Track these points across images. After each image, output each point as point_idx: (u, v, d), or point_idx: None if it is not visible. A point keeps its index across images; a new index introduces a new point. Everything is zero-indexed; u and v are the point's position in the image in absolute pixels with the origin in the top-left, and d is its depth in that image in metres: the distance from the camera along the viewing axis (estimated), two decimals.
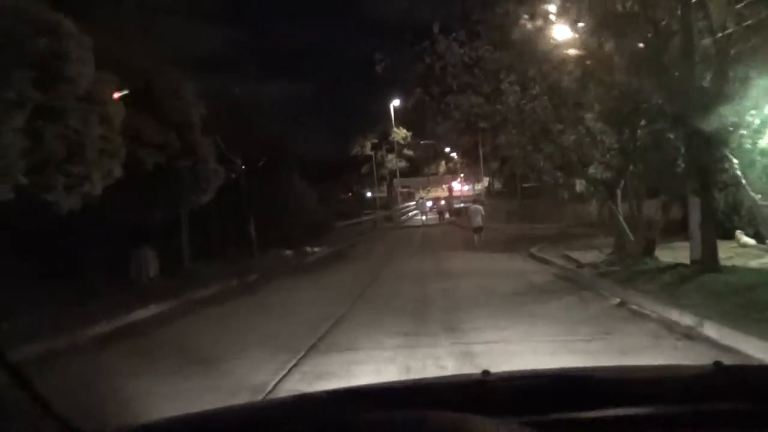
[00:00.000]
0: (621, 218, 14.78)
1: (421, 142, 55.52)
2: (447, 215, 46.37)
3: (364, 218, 42.98)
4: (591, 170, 15.08)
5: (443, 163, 64.63)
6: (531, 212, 37.19)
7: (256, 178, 24.34)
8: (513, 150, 15.56)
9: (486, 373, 1.57)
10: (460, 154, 61.81)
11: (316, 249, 25.61)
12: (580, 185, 16.51)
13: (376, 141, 54.78)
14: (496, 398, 1.48)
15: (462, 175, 65.24)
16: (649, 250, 13.36)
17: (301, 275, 18.37)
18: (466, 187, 63.23)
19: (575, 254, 17.53)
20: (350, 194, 53.68)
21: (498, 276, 14.47)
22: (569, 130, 14.64)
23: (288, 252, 24.57)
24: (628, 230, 14.27)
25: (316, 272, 18.96)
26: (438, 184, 61.41)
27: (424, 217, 44.87)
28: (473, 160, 60.29)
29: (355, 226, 38.64)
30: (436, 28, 12.84)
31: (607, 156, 14.74)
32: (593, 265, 14.30)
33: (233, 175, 22.57)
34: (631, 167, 14.51)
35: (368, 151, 54.57)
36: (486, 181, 58.95)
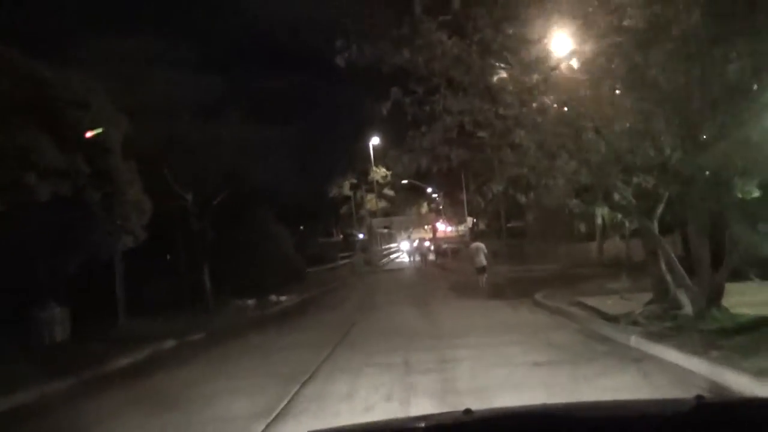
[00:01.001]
0: (666, 255, 11.19)
1: (403, 181, 52.10)
2: (432, 257, 42.81)
3: (342, 262, 39.23)
4: (617, 195, 11.57)
5: (425, 204, 61.34)
6: (519, 252, 33.71)
7: (221, 219, 20.89)
8: (520, 169, 11.95)
9: (468, 411, 1.48)
10: (443, 195, 58.66)
11: (283, 298, 21.83)
12: (602, 214, 12.88)
13: (355, 181, 51.34)
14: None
15: (443, 217, 62.07)
16: (715, 299, 9.76)
17: (254, 334, 14.58)
18: (449, 228, 59.89)
19: (591, 301, 13.97)
20: (342, 236, 50.12)
21: (506, 334, 10.81)
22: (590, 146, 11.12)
23: (251, 302, 20.78)
24: (680, 271, 10.63)
25: (273, 329, 15.17)
26: (420, 224, 57.98)
27: (409, 259, 41.14)
28: (455, 200, 57.29)
29: (332, 270, 34.87)
30: (417, 9, 9.31)
31: (639, 177, 11.28)
32: (629, 319, 10.68)
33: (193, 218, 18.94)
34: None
35: (347, 191, 51.06)
36: (470, 221, 55.62)
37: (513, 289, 18.84)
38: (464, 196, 54.62)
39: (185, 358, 11.78)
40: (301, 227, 40.92)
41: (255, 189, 25.93)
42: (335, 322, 14.55)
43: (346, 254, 42.17)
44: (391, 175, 52.12)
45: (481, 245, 20.70)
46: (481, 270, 20.03)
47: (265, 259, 25.31)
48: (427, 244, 48.05)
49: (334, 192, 53.93)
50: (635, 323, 10.30)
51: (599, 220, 13.30)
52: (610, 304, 13.21)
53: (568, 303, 14.65)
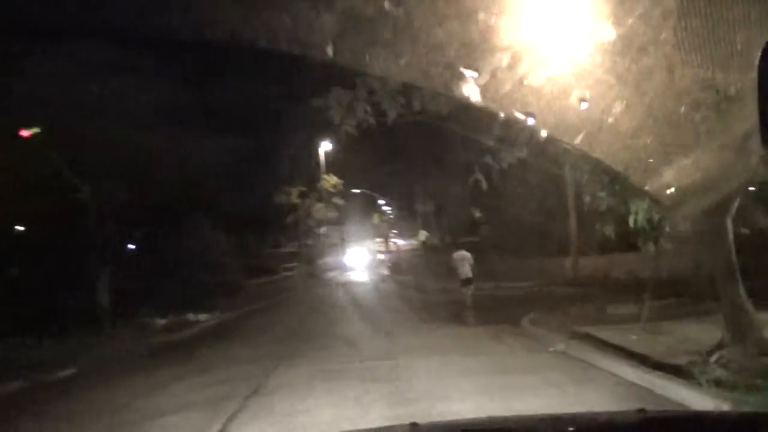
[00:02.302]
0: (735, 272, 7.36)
1: (354, 190, 47.88)
2: (386, 271, 38.65)
3: (287, 274, 34.78)
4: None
5: (377, 215, 57.14)
6: (482, 268, 29.80)
7: (141, 226, 16.94)
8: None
9: (414, 425, 1.39)
10: (396, 207, 54.86)
11: (202, 317, 17.35)
12: (635, 213, 8.81)
13: (304, 189, 46.82)
14: None
15: (395, 230, 58.16)
16: None
17: (140, 373, 10.08)
18: (401, 242, 55.90)
19: (604, 333, 10.09)
20: (299, 246, 45.78)
21: (513, 395, 6.66)
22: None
23: (162, 322, 16.25)
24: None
25: (164, 366, 10.63)
26: (372, 236, 53.72)
27: (359, 273, 36.78)
28: (408, 213, 53.52)
29: (273, 284, 30.37)
30: None
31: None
32: (704, 371, 6.71)
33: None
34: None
35: (294, 199, 46.41)
36: (423, 234, 51.78)
37: (490, 311, 14.87)
38: (418, 208, 50.98)
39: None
40: (246, 236, 36.58)
41: (189, 195, 23.04)
42: (252, 360, 10.16)
43: (292, 265, 37.72)
44: (343, 183, 47.85)
45: (467, 254, 16.74)
46: (467, 282, 16.28)
47: (192, 271, 21.24)
48: (383, 256, 43.89)
49: (281, 200, 49.12)
50: (719, 382, 6.32)
51: (632, 222, 9.09)
52: (636, 341, 9.30)
53: (570, 334, 10.70)
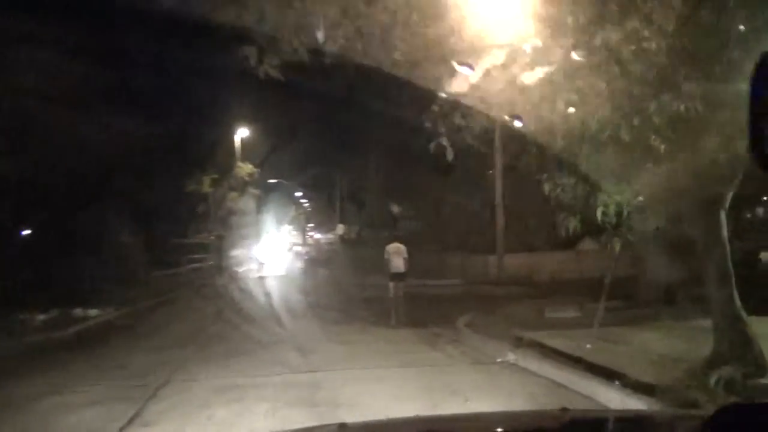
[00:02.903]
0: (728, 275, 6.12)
1: (270, 180, 45.63)
2: (302, 264, 36.49)
3: (194, 265, 32.20)
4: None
5: (293, 207, 54.93)
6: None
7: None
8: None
9: (343, 425, 1.37)
10: (313, 199, 53.04)
11: (92, 312, 14.93)
12: (605, 206, 7.38)
13: (216, 176, 44.01)
14: None
15: (312, 224, 56.26)
16: None
17: None
18: (318, 235, 54.00)
19: (552, 340, 8.87)
20: (213, 237, 42.75)
21: None
22: None
23: (41, 318, 13.83)
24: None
25: (19, 378, 8.30)
26: (289, 228, 51.44)
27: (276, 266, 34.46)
28: (326, 206, 51.72)
29: (180, 276, 27.75)
30: None
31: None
32: (699, 398, 5.39)
33: None
34: None
35: (207, 188, 43.54)
36: (341, 228, 50.13)
37: (420, 311, 13.38)
38: (338, 201, 49.33)
39: None
40: (153, 225, 33.65)
41: (90, 179, 21.23)
42: (139, 371, 8.07)
43: (202, 257, 34.99)
44: (259, 172, 45.42)
45: (402, 247, 15.20)
46: (398, 276, 14.79)
47: (88, 261, 18.81)
48: (299, 249, 41.79)
49: (192, 188, 46.07)
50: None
51: (600, 215, 7.77)
52: (593, 351, 8.00)
53: (513, 341, 9.33)
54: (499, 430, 1.56)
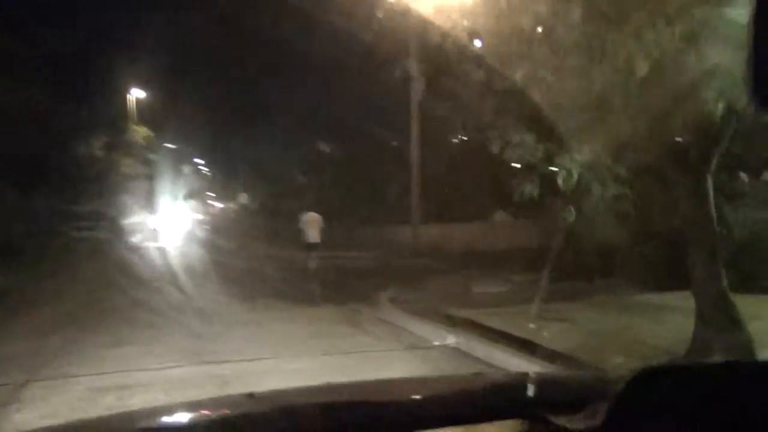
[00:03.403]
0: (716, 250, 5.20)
1: (168, 145, 42.80)
2: (203, 235, 34.10)
3: (83, 234, 29.30)
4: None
5: (192, 175, 51.75)
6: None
7: None
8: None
9: (251, 395, 1.34)
10: (213, 166, 50.27)
11: None
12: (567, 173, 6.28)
13: (108, 140, 40.60)
14: (263, 416, 1.27)
15: (212, 193, 53.42)
16: None
17: None
18: (219, 204, 51.33)
19: (491, 319, 7.89)
20: (102, 204, 39.15)
21: None
22: None
23: None
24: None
25: None
26: (187, 196, 48.38)
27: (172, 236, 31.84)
28: (228, 174, 49.14)
29: (66, 246, 24.99)
30: None
31: None
32: None
33: None
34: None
35: (98, 151, 40.12)
36: (243, 197, 47.90)
37: (338, 285, 12.17)
38: (240, 170, 46.98)
39: None
40: (37, 190, 30.36)
41: None
42: None
43: (91, 225, 31.98)
44: (156, 137, 42.41)
45: (317, 216, 14.57)
46: (312, 246, 14.26)
47: None
48: (200, 218, 39.20)
49: (82, 151, 42.41)
50: None
51: (562, 181, 6.71)
52: (540, 331, 7.03)
53: (445, 320, 8.30)
54: (415, 396, 1.47)
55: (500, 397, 1.41)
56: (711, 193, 5.37)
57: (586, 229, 11.91)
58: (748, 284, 7.40)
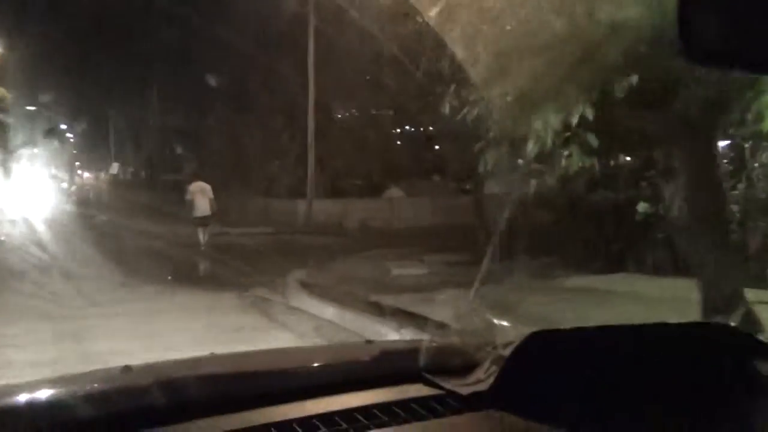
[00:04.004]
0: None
1: (28, 108, 38.17)
2: (71, 207, 30.46)
3: None
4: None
5: (57, 141, 46.73)
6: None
7: None
8: None
9: (127, 367, 1.29)
10: (81, 132, 45.69)
11: None
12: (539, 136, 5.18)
13: None
14: (140, 390, 1.20)
15: (79, 162, 48.61)
16: None
17: None
18: (87, 174, 46.75)
19: (436, 310, 6.65)
20: None
21: None
22: None
23: None
24: None
25: None
26: (53, 164, 43.51)
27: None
28: (98, 142, 44.80)
29: None
30: None
31: None
32: None
33: None
34: None
35: None
36: (115, 167, 43.89)
37: (234, 266, 10.52)
38: (111, 138, 43.02)
39: None
40: None
41: None
42: None
43: None
44: (12, 97, 37.51)
45: (206, 186, 13.13)
46: (203, 221, 12.91)
47: None
48: (66, 188, 35.04)
49: None
50: None
51: (532, 146, 5.59)
52: (492, 324, 5.97)
53: (375, 310, 7.06)
54: (304, 365, 1.42)
55: (392, 363, 1.39)
56: (718, 164, 4.49)
57: (518, 205, 11.14)
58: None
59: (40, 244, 11.73)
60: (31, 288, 8.20)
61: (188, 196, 13.27)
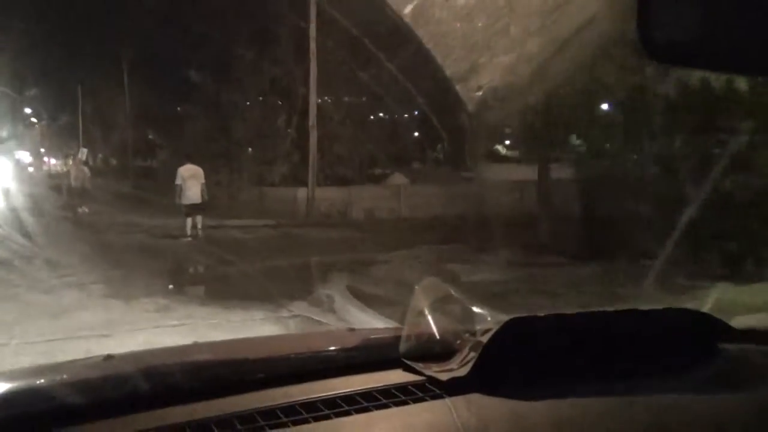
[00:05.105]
0: None
1: None
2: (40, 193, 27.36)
3: None
4: None
5: (20, 125, 43.28)
6: (160, 199, 21.21)
7: None
8: None
9: (109, 356, 1.28)
10: (48, 117, 42.56)
11: None
12: None
13: None
14: (122, 378, 1.17)
15: (43, 149, 45.25)
16: None
17: None
18: (54, 161, 43.44)
19: None
20: None
21: None
22: None
23: None
24: None
25: None
26: (14, 149, 40.00)
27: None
28: (65, 126, 41.59)
29: None
30: None
31: None
32: None
33: None
34: None
35: None
36: (83, 153, 40.56)
37: (246, 266, 8.19)
38: (80, 123, 39.88)
39: None
40: None
41: None
42: None
43: None
44: None
45: (198, 170, 11.53)
46: (194, 209, 11.23)
47: None
48: (30, 171, 31.89)
49: None
50: None
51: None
52: None
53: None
54: (288, 352, 1.38)
55: (373, 350, 1.38)
56: None
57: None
58: None
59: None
60: None
61: (178, 181, 11.34)
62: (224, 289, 7.21)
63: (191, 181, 11.22)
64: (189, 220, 11.26)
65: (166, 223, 12.19)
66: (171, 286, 7.41)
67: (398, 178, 20.06)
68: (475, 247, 9.64)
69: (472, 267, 8.01)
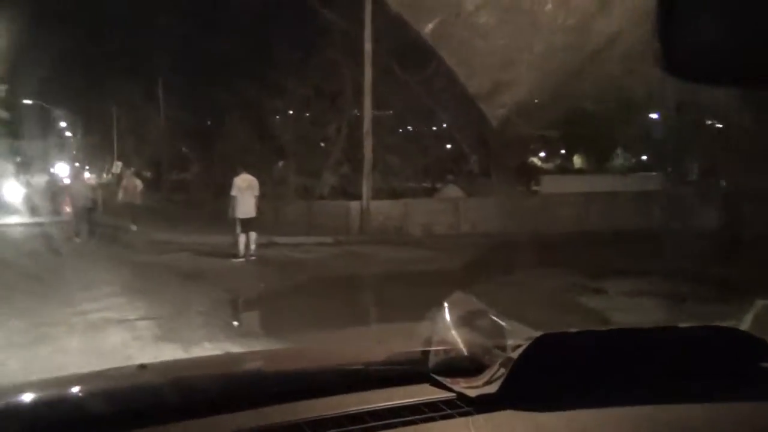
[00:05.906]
0: None
1: (25, 102, 34.39)
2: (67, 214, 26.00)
3: None
4: None
5: (56, 139, 42.67)
6: (197, 214, 19.62)
7: None
8: None
9: (143, 366, 1.29)
10: (81, 129, 42.06)
11: None
12: None
13: None
14: (155, 389, 1.19)
15: (78, 164, 44.59)
16: None
17: None
18: (88, 175, 42.75)
19: None
20: None
21: None
22: None
23: None
24: None
25: None
26: (50, 164, 39.24)
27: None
28: (101, 140, 40.88)
29: None
30: None
31: None
32: None
33: None
34: None
35: None
36: (118, 166, 39.85)
37: (323, 298, 6.54)
38: (115, 137, 39.19)
39: None
40: None
41: None
42: None
43: None
44: (7, 90, 33.38)
45: (254, 180, 10.28)
46: (248, 225, 9.97)
47: None
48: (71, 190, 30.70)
49: None
50: None
51: None
52: None
53: None
54: (318, 364, 1.36)
55: (401, 365, 1.33)
56: None
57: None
58: None
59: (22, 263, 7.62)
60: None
61: (233, 192, 9.86)
62: (303, 325, 5.57)
63: (247, 192, 9.85)
64: (242, 238, 9.83)
65: (216, 241, 10.69)
66: (235, 323, 5.84)
67: (453, 191, 18.29)
68: (581, 270, 7.91)
69: (627, 299, 6.26)
